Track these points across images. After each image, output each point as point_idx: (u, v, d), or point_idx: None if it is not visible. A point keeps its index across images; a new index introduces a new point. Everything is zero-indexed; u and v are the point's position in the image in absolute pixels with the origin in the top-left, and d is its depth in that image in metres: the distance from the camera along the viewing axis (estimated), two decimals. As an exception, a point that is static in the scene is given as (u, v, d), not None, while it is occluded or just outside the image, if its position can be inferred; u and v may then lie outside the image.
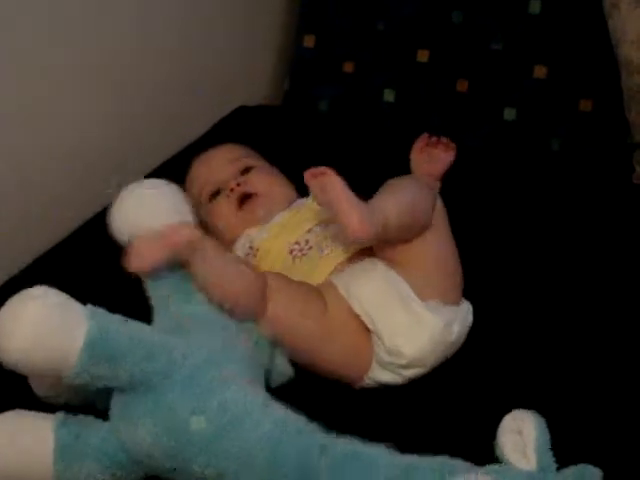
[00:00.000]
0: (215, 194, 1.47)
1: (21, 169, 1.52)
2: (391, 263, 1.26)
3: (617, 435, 1.17)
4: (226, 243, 1.42)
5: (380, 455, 1.04)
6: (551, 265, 1.50)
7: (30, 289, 1.03)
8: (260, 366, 1.17)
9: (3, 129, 1.47)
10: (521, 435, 1.06)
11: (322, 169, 1.22)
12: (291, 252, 1.35)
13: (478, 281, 1.45)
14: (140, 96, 1.77)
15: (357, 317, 1.23)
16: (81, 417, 1.10)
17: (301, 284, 1.26)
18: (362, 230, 1.15)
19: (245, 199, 1.45)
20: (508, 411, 1.12)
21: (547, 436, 1.07)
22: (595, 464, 1.07)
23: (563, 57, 1.88)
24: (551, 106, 1.88)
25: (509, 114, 1.91)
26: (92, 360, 1.01)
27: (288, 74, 2.10)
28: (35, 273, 1.49)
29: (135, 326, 1.07)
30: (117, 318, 1.06)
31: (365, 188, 1.65)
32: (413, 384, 1.25)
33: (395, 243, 1.26)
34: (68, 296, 1.04)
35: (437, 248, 1.28)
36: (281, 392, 1.19)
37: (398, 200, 1.23)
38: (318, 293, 1.25)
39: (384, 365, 1.22)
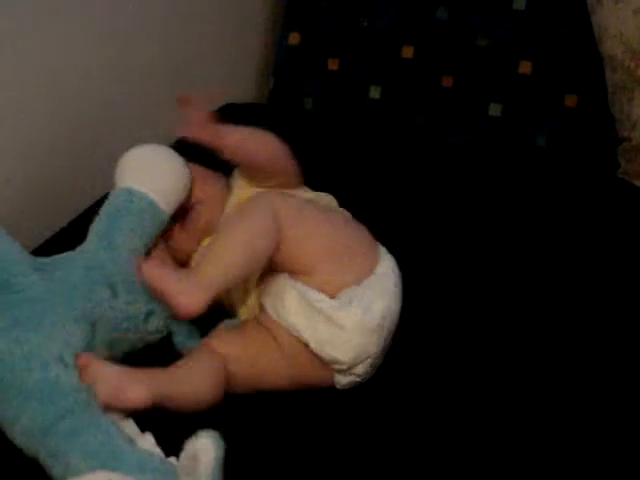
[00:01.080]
0: None
1: (10, 164, 1.52)
2: (292, 274, 1.24)
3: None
4: (183, 261, 1.40)
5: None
6: (537, 259, 1.51)
7: None
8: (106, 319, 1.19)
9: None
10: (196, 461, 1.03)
11: (137, 264, 1.19)
12: None
13: (461, 275, 1.46)
14: (127, 93, 1.77)
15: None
16: None
17: (248, 335, 1.25)
18: (189, 309, 1.14)
19: (186, 212, 1.40)
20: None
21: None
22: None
23: (548, 53, 1.88)
24: (536, 102, 1.89)
25: (494, 110, 1.92)
26: None
27: (272, 72, 2.10)
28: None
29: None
30: None
31: (352, 185, 1.67)
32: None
33: (275, 259, 1.23)
34: None
35: (317, 241, 1.25)
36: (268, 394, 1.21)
37: (220, 256, 1.19)
38: (264, 333, 1.24)
39: (339, 370, 1.22)
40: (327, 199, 1.42)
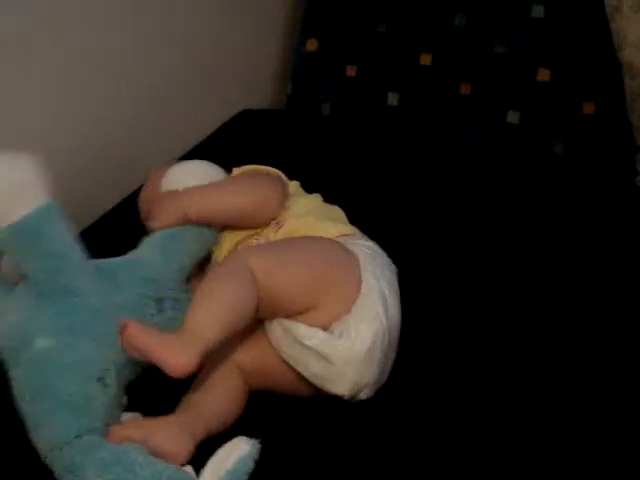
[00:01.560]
0: None
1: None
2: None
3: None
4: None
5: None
6: (554, 268, 1.50)
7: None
8: None
9: (11, 129, 1.47)
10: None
11: (122, 323, 1.13)
12: None
13: (479, 284, 1.46)
14: (143, 99, 1.78)
15: None
16: None
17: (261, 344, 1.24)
18: (181, 368, 1.10)
19: None
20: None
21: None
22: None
23: (566, 60, 1.88)
24: (554, 109, 1.89)
25: (512, 117, 1.91)
26: (13, 239, 1.12)
27: (290, 78, 2.10)
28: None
29: (69, 243, 1.15)
30: (66, 229, 1.15)
31: (368, 192, 1.68)
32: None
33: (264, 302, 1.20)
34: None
35: (300, 286, 1.21)
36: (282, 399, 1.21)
37: (210, 310, 1.15)
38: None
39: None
40: (308, 202, 1.40)
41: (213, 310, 1.14)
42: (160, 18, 1.78)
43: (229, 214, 1.34)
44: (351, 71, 2.03)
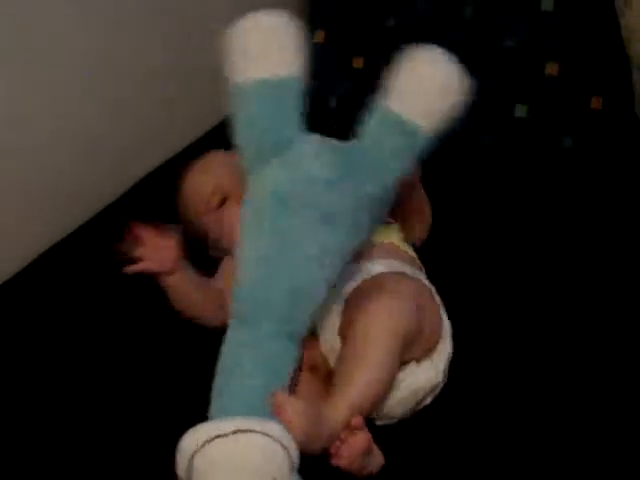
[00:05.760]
0: (224, 201, 1.44)
1: (20, 167, 1.52)
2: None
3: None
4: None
5: None
6: (562, 263, 1.51)
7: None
8: None
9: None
10: None
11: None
12: None
13: (485, 279, 1.46)
14: (154, 81, 1.77)
15: None
16: None
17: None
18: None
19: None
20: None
21: None
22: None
23: (575, 54, 1.87)
24: (563, 103, 1.87)
25: (520, 111, 1.90)
26: None
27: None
28: (37, 270, 1.51)
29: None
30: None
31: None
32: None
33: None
34: None
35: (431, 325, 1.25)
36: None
37: (357, 392, 1.13)
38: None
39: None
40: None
41: (360, 394, 1.12)
42: (158, 14, 1.77)
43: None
44: (358, 63, 2.02)
